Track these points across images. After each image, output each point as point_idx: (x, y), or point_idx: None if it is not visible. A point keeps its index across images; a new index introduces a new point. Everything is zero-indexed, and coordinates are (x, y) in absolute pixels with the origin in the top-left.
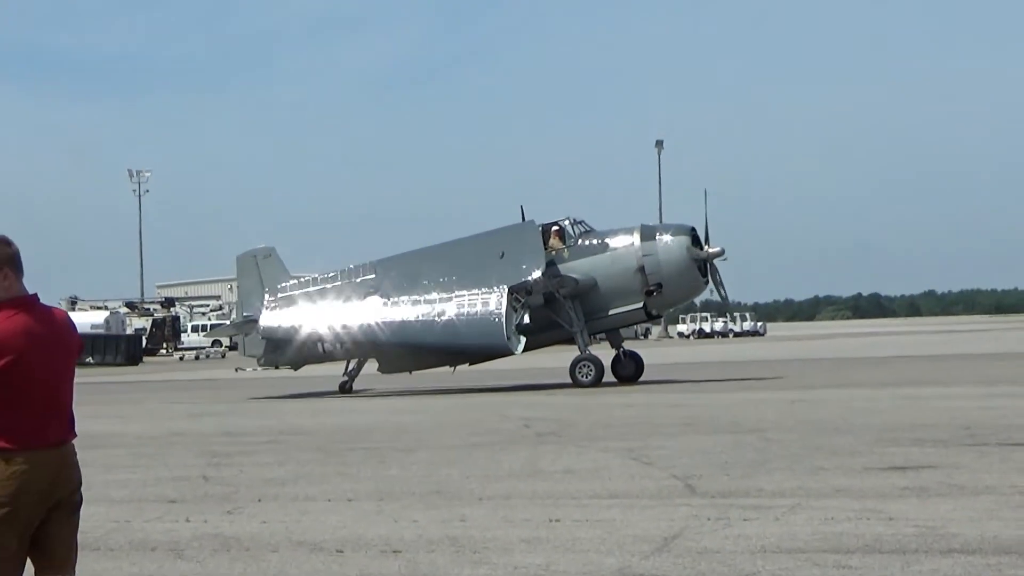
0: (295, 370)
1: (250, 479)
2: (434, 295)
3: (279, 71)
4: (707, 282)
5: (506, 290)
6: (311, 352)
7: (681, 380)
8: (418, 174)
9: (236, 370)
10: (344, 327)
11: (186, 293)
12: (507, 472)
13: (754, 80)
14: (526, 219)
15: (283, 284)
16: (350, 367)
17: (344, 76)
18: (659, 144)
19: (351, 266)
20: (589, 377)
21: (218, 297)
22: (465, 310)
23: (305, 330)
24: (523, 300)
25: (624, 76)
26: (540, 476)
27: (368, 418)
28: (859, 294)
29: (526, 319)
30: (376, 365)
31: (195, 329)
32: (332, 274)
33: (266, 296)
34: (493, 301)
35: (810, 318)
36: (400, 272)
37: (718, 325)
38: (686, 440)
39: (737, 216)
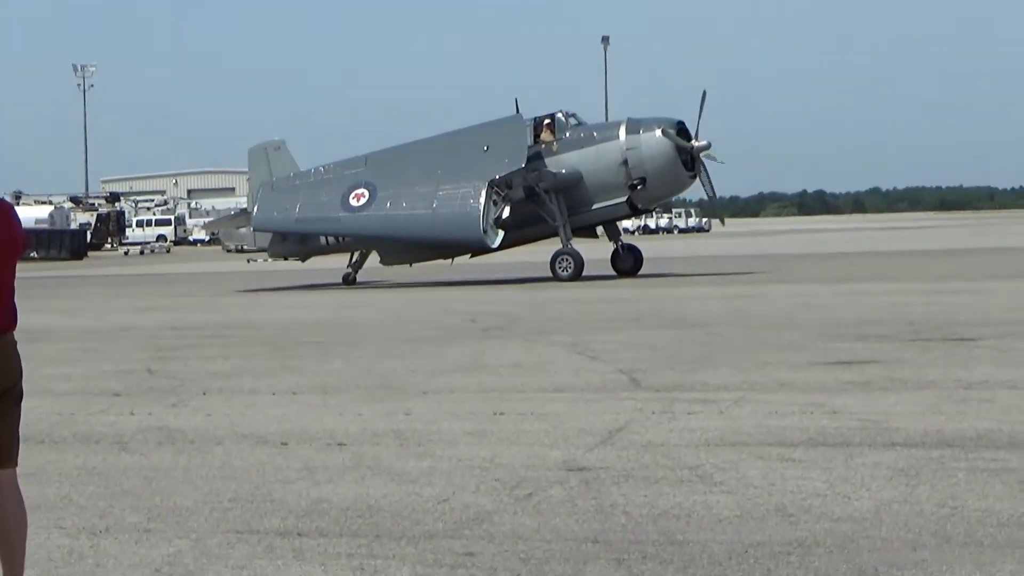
0: (302, 262)
1: (195, 372)
2: (418, 188)
3: None
4: (693, 176)
5: (485, 183)
6: (314, 244)
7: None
8: (378, 71)
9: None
10: (333, 220)
11: (131, 188)
12: (452, 366)
13: None
14: (519, 112)
15: (276, 177)
16: (354, 259)
17: None
18: (605, 40)
19: (342, 160)
20: (568, 271)
21: (163, 192)
22: (445, 203)
23: (302, 223)
24: (503, 194)
25: None
26: (485, 370)
27: (316, 313)
28: (804, 191)
29: (506, 213)
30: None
31: (140, 224)
32: (324, 167)
33: (261, 189)
34: (472, 194)
35: (755, 214)
36: (389, 165)
37: (663, 221)
38: (632, 335)
39: (681, 111)
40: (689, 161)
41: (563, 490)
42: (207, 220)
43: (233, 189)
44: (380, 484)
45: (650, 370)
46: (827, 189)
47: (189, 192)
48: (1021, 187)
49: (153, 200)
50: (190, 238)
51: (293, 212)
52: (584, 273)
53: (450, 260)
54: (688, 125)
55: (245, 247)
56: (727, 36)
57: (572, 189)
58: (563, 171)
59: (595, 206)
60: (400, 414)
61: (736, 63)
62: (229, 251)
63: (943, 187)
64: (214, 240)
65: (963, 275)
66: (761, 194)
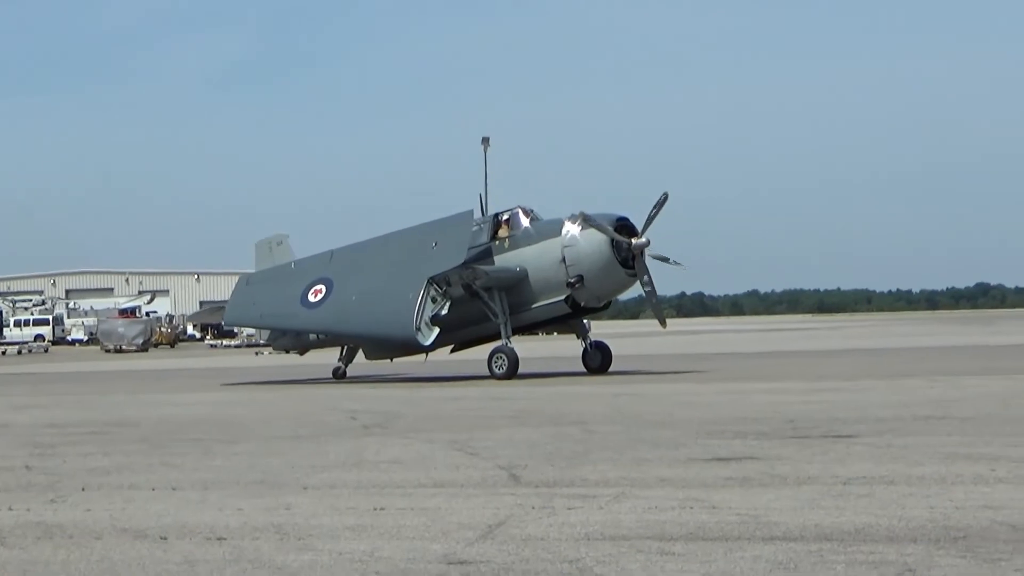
0: (300, 355)
1: (74, 469)
2: (367, 285)
3: (118, 71)
4: (632, 275)
5: (425, 280)
6: (305, 338)
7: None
8: (256, 173)
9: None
10: (292, 315)
11: (8, 288)
12: (332, 462)
13: (577, 78)
14: (485, 208)
15: (254, 272)
16: (343, 352)
17: (181, 75)
18: (485, 141)
19: (314, 254)
20: (503, 369)
21: (41, 292)
22: (385, 300)
23: (266, 319)
24: (443, 290)
25: (453, 75)
26: (365, 466)
27: (195, 410)
28: (683, 293)
29: (444, 311)
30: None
31: (17, 324)
32: (295, 263)
33: (237, 284)
34: (411, 292)
35: (635, 316)
36: (348, 261)
37: None
38: (512, 432)
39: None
40: (629, 259)
41: None
42: (88, 319)
43: (112, 289)
44: None
45: (530, 466)
46: (706, 291)
47: (67, 292)
48: (897, 290)
49: (31, 300)
50: (68, 338)
51: (260, 307)
52: (559, 370)
53: (424, 356)
54: (636, 222)
55: (123, 347)
56: (607, 137)
57: (516, 287)
58: (515, 268)
59: (535, 305)
60: (280, 509)
61: (618, 165)
62: (108, 351)
63: (821, 290)
64: (92, 340)
65: (841, 374)
66: (640, 296)
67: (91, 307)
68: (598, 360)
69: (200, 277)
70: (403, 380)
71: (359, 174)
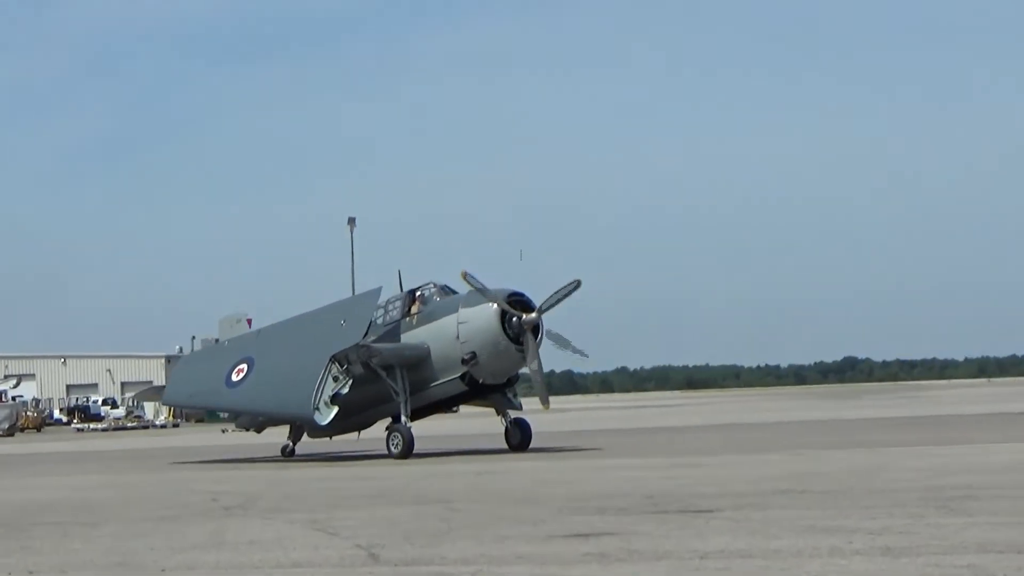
0: (258, 433)
1: None
2: (279, 364)
3: None
4: (521, 350)
5: (327, 359)
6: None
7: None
8: (114, 253)
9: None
10: (216, 394)
11: None
12: (192, 544)
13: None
14: (402, 284)
15: (193, 352)
16: (291, 429)
17: (37, 153)
18: (351, 221)
19: (247, 332)
20: (398, 448)
21: None
22: (289, 379)
23: (195, 398)
24: (344, 368)
25: (314, 156)
26: (224, 547)
27: (52, 494)
28: (552, 371)
29: (345, 390)
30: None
31: None
32: (229, 341)
33: (179, 362)
34: (313, 371)
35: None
36: (269, 339)
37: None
38: (372, 511)
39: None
40: (520, 335)
41: None
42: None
43: None
44: None
45: (388, 544)
46: (574, 369)
47: None
48: (766, 364)
49: None
50: None
51: (192, 386)
52: (473, 447)
53: (357, 434)
54: (533, 298)
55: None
56: (461, 218)
57: (419, 365)
58: (417, 345)
59: (433, 384)
60: None
61: (481, 248)
62: None
63: (690, 366)
64: None
65: (704, 450)
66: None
67: None
68: (517, 437)
69: (67, 360)
70: (332, 458)
71: (228, 255)
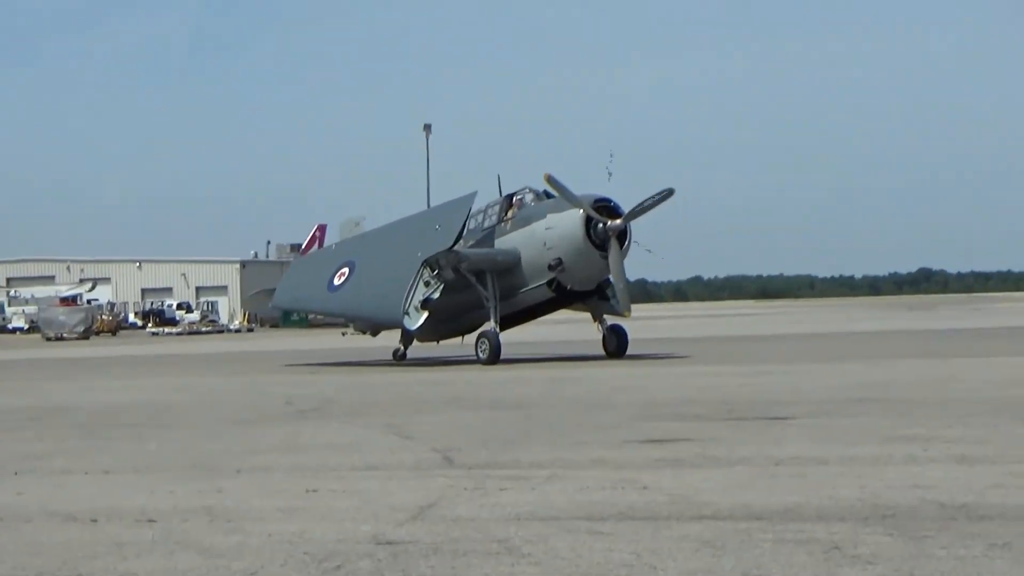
0: (374, 336)
1: (8, 454)
2: (377, 268)
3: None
4: (605, 257)
5: (419, 263)
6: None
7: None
8: (200, 160)
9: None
10: (320, 299)
11: None
12: (267, 447)
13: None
14: (502, 189)
15: (305, 256)
16: (402, 333)
17: (119, 61)
18: (427, 128)
19: (352, 237)
20: (485, 353)
21: None
22: (384, 283)
23: (300, 302)
24: (435, 273)
25: (393, 59)
26: (299, 450)
27: (132, 396)
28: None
29: (436, 294)
30: None
31: None
32: (335, 245)
33: (291, 265)
34: (405, 274)
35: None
36: (372, 243)
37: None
38: (449, 416)
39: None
40: (604, 241)
41: (371, 563)
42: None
43: (53, 277)
44: (188, 558)
45: (464, 449)
46: (648, 278)
47: (8, 280)
48: (840, 276)
49: None
50: (8, 326)
51: (299, 290)
52: (575, 353)
53: (461, 339)
54: (622, 204)
55: (64, 335)
56: (545, 124)
57: (510, 272)
58: (509, 251)
59: (522, 290)
60: (212, 492)
61: (564, 152)
62: (49, 339)
63: (764, 276)
64: (33, 328)
65: (780, 358)
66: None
67: (32, 295)
68: (614, 343)
69: (142, 265)
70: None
71: (305, 161)
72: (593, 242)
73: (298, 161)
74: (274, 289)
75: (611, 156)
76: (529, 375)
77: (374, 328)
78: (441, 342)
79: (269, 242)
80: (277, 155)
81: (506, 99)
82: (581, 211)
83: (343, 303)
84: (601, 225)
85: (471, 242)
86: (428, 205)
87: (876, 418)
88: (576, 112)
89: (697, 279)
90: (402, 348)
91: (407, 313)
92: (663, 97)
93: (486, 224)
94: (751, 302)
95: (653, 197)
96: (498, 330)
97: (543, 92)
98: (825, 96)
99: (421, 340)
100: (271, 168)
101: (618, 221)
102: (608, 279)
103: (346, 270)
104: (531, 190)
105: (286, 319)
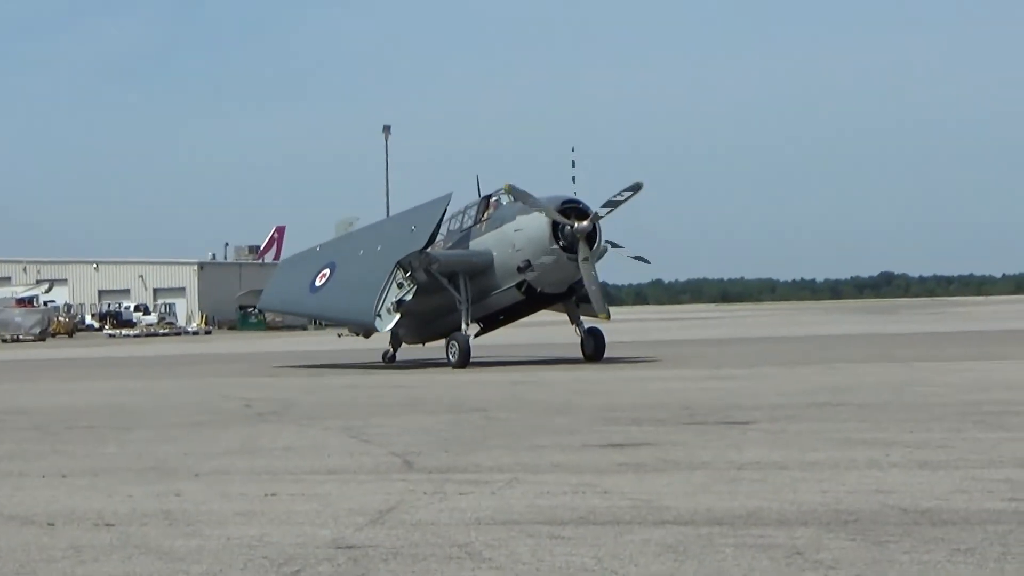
0: (366, 338)
1: None
2: (353, 270)
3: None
4: (573, 260)
5: (392, 265)
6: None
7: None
8: (148, 160)
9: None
10: (300, 301)
11: None
12: (225, 449)
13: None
14: (480, 190)
15: (291, 256)
16: (392, 335)
17: (79, 63)
18: (386, 129)
19: (339, 236)
20: (455, 357)
21: None
22: (359, 285)
23: (285, 303)
24: (408, 275)
25: (349, 63)
26: (258, 453)
27: (90, 399)
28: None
29: (408, 296)
30: None
31: None
32: (321, 245)
33: (279, 266)
34: (379, 276)
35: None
36: (353, 244)
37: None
38: (408, 419)
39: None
40: (572, 244)
41: (331, 567)
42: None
43: (9, 279)
44: (146, 562)
45: (424, 452)
46: (609, 281)
47: None
48: (801, 279)
49: None
50: None
51: (283, 292)
52: (550, 356)
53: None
54: (591, 206)
55: (20, 337)
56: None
57: (482, 274)
58: (482, 253)
59: (494, 292)
60: (170, 495)
61: (523, 152)
62: (4, 340)
63: (725, 279)
64: None
65: (740, 362)
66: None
67: None
68: (591, 347)
69: (99, 266)
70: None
71: (264, 162)
72: (561, 244)
73: (257, 162)
74: (262, 290)
75: (573, 152)
76: (492, 378)
77: (365, 330)
78: (427, 344)
79: (227, 244)
80: (235, 156)
81: (475, 101)
82: (547, 210)
83: (322, 304)
84: (568, 227)
85: (450, 243)
86: (387, 207)
87: (837, 423)
88: (544, 113)
89: (658, 282)
90: (391, 350)
91: (379, 315)
92: (626, 99)
93: (464, 225)
94: (712, 306)
95: (621, 193)
96: (469, 333)
97: (516, 93)
98: (788, 100)
99: (408, 343)
100: (229, 169)
101: (585, 223)
102: (581, 281)
103: (327, 271)
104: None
105: (244, 321)
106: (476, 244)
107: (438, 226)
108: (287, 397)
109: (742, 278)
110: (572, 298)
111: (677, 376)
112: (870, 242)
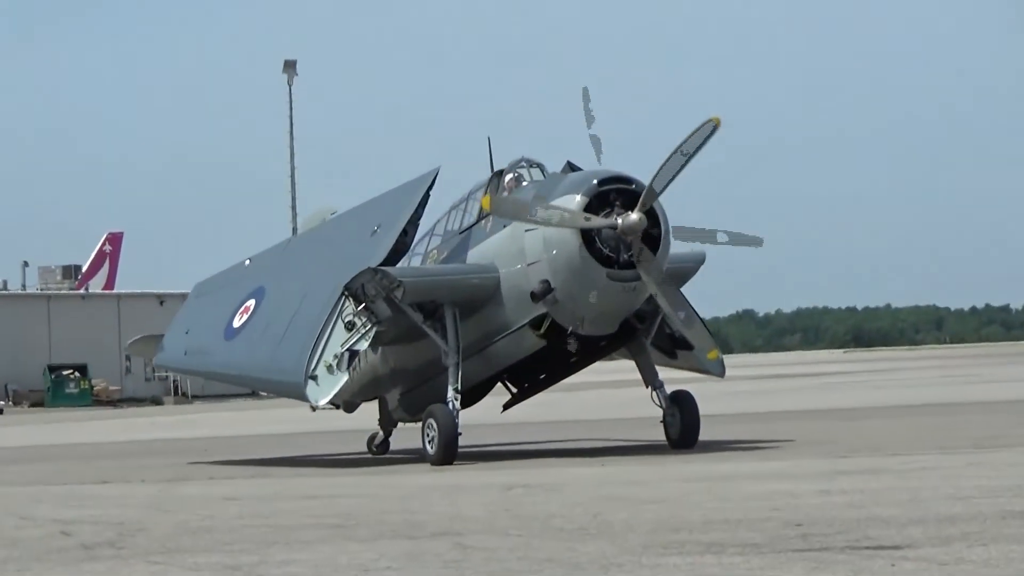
0: (348, 413)
1: None
2: (283, 301)
3: None
4: (621, 280)
5: (339, 292)
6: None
7: None
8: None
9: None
10: (208, 352)
11: None
12: None
13: None
14: (492, 157)
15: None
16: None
17: None
18: (289, 67)
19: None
20: (432, 446)
21: None
22: (286, 324)
23: (189, 357)
24: (359, 307)
25: None
26: None
27: None
28: None
29: (363, 345)
30: None
31: None
32: (251, 259)
33: (188, 298)
34: (314, 310)
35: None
36: (288, 262)
37: None
38: (327, 550)
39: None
40: (615, 250)
41: None
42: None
43: None
44: None
45: None
46: None
47: None
48: (984, 306)
49: None
50: None
51: (192, 337)
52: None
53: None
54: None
55: None
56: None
57: (481, 304)
58: (483, 267)
59: (498, 336)
60: None
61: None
62: None
63: (858, 308)
64: None
65: (883, 446)
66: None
67: None
68: (676, 425)
69: None
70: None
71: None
72: (598, 254)
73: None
74: (162, 335)
75: (584, 89)
76: (479, 479)
77: (347, 404)
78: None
79: (25, 263)
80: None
81: None
82: (578, 198)
83: (235, 357)
84: (607, 224)
85: (444, 253)
86: (292, 159)
87: None
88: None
89: (747, 315)
90: (381, 434)
91: (311, 377)
92: None
93: (464, 223)
94: (838, 352)
95: (692, 137)
96: (456, 406)
97: None
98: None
99: (405, 421)
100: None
101: (633, 216)
102: (646, 311)
103: (252, 302)
104: (528, 162)
105: (57, 392)
106: (477, 253)
107: (415, 222)
108: (128, 516)
109: (888, 307)
110: (636, 342)
111: (781, 472)
112: None
